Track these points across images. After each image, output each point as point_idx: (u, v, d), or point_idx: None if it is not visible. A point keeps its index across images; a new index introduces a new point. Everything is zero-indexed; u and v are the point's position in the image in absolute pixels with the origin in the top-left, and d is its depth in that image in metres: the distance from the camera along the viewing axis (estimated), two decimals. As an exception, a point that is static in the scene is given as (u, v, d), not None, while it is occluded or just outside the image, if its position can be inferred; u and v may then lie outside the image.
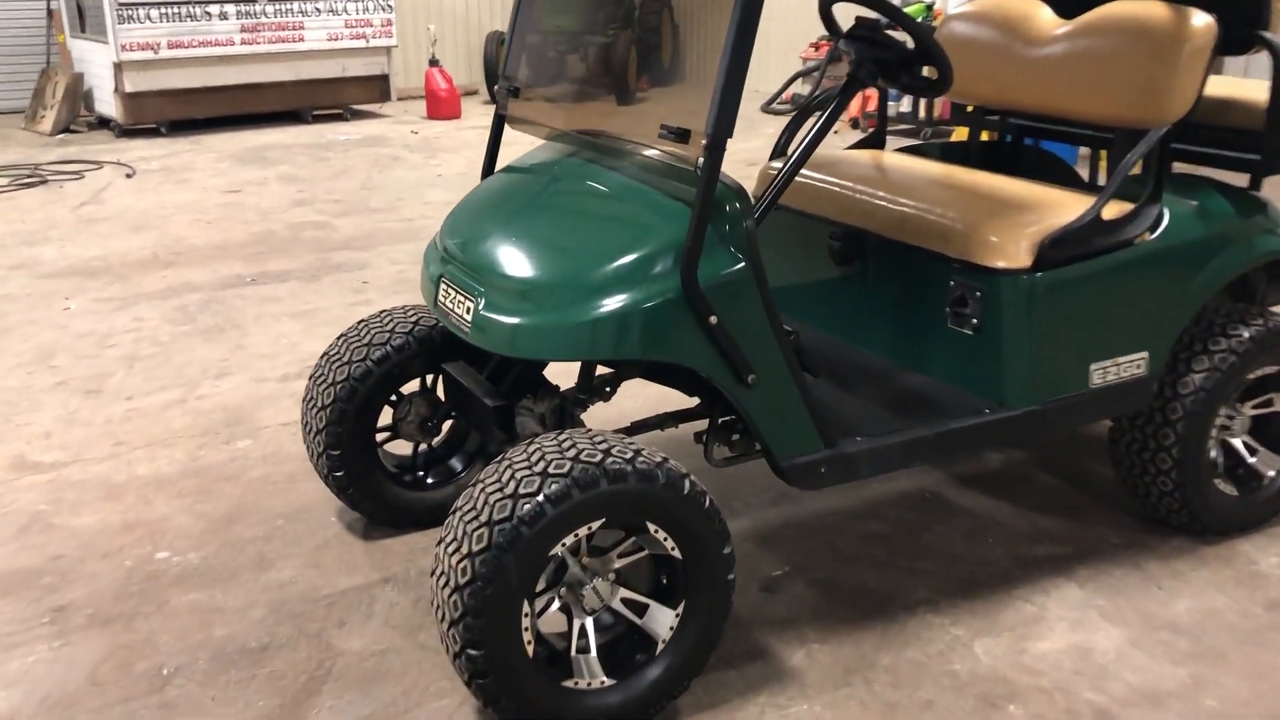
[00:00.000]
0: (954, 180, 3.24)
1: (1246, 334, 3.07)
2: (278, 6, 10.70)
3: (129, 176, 8.77)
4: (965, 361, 2.94)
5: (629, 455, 2.34)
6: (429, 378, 3.28)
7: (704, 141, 2.34)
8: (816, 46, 11.47)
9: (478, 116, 11.98)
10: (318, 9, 10.93)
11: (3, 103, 12.01)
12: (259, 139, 10.40)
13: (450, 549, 2.31)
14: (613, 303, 2.42)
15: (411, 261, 6.26)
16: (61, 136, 10.70)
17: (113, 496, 3.59)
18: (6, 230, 7.12)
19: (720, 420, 2.80)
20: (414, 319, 3.21)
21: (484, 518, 2.27)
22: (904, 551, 3.21)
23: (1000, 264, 2.81)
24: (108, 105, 10.59)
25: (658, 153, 2.64)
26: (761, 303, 2.48)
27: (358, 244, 6.68)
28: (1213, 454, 3.17)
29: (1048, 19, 3.38)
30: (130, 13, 9.99)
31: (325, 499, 3.50)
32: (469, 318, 2.62)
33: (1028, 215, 2.88)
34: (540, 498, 2.25)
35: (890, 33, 2.84)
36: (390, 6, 11.37)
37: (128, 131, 10.60)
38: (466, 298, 2.65)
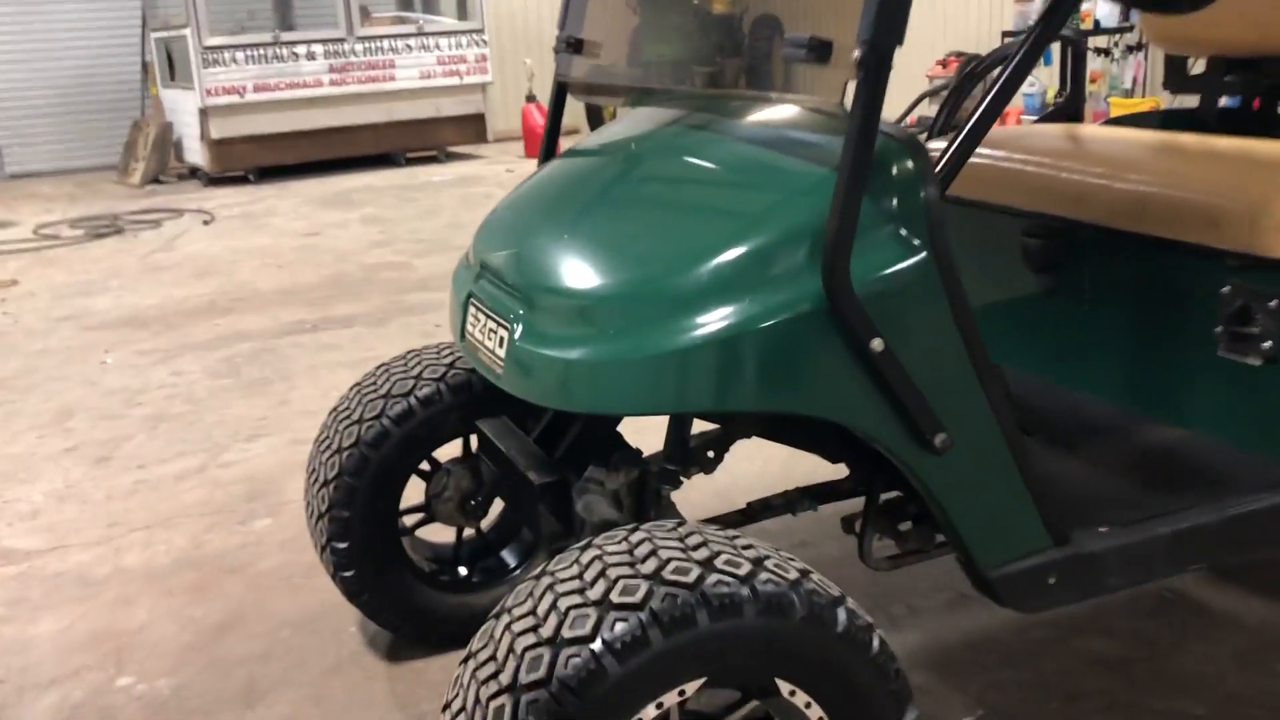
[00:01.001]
0: (1207, 148, 2.25)
1: None
2: (367, 44, 10.20)
3: (206, 223, 8.25)
4: (1253, 407, 1.95)
5: (745, 569, 1.43)
6: (472, 440, 2.42)
7: (856, 54, 1.44)
8: (944, 64, 10.48)
9: (578, 154, 11.27)
10: (409, 46, 10.40)
11: (99, 159, 11.78)
12: (347, 183, 9.84)
13: (457, 723, 1.42)
14: (715, 323, 1.53)
15: (492, 301, 5.47)
16: (150, 187, 10.33)
17: (86, 596, 2.81)
18: (66, 280, 6.59)
19: (883, 499, 1.87)
20: (448, 359, 2.36)
21: (507, 677, 1.38)
22: (1152, 686, 2.20)
23: (1311, 256, 1.83)
24: (196, 154, 10.20)
25: (786, 109, 1.75)
26: (953, 316, 1.55)
27: (435, 284, 5.92)
28: None
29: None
30: (216, 56, 9.58)
31: (346, 603, 2.66)
32: (502, 352, 1.75)
33: (1342, 185, 1.89)
34: (597, 645, 1.35)
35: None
36: (485, 41, 10.79)
37: (215, 180, 10.17)
38: (500, 324, 1.78)
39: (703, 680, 1.41)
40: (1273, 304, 1.88)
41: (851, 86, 1.47)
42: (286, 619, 2.65)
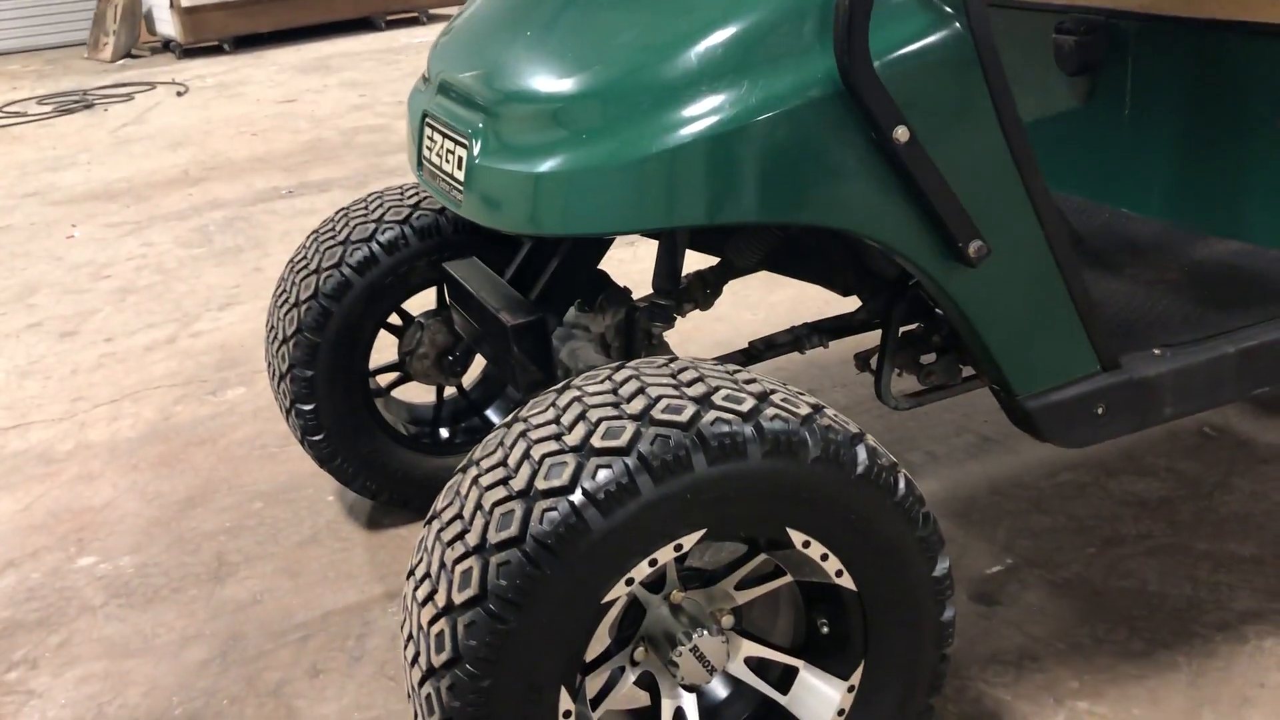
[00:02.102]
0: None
1: None
2: (339, -101, 9.62)
3: (180, 95, 7.88)
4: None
5: (748, 405, 1.21)
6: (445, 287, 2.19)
7: None
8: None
9: (567, 11, 10.77)
10: (383, -101, 9.81)
11: (68, 35, 11.27)
12: (326, 49, 9.40)
13: (421, 595, 1.23)
14: (707, 115, 1.28)
15: (477, 160, 5.18)
16: (122, 62, 9.88)
17: (47, 474, 2.63)
18: (34, 157, 6.28)
19: (902, 331, 1.65)
20: (413, 201, 2.13)
21: (474, 538, 1.18)
22: (1197, 528, 2.02)
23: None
24: (167, 24, 9.71)
25: None
26: (992, 100, 1.30)
27: (418, 146, 5.62)
28: None
29: None
30: (179, -84, 9.04)
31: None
32: (461, 174, 1.51)
33: None
34: (576, 496, 1.14)
35: None
36: (463, -108, 10.19)
37: (190, 51, 9.71)
38: (458, 141, 1.53)
39: (702, 532, 1.21)
40: (1351, 89, 1.63)
41: None
42: (258, 491, 2.47)
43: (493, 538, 1.16)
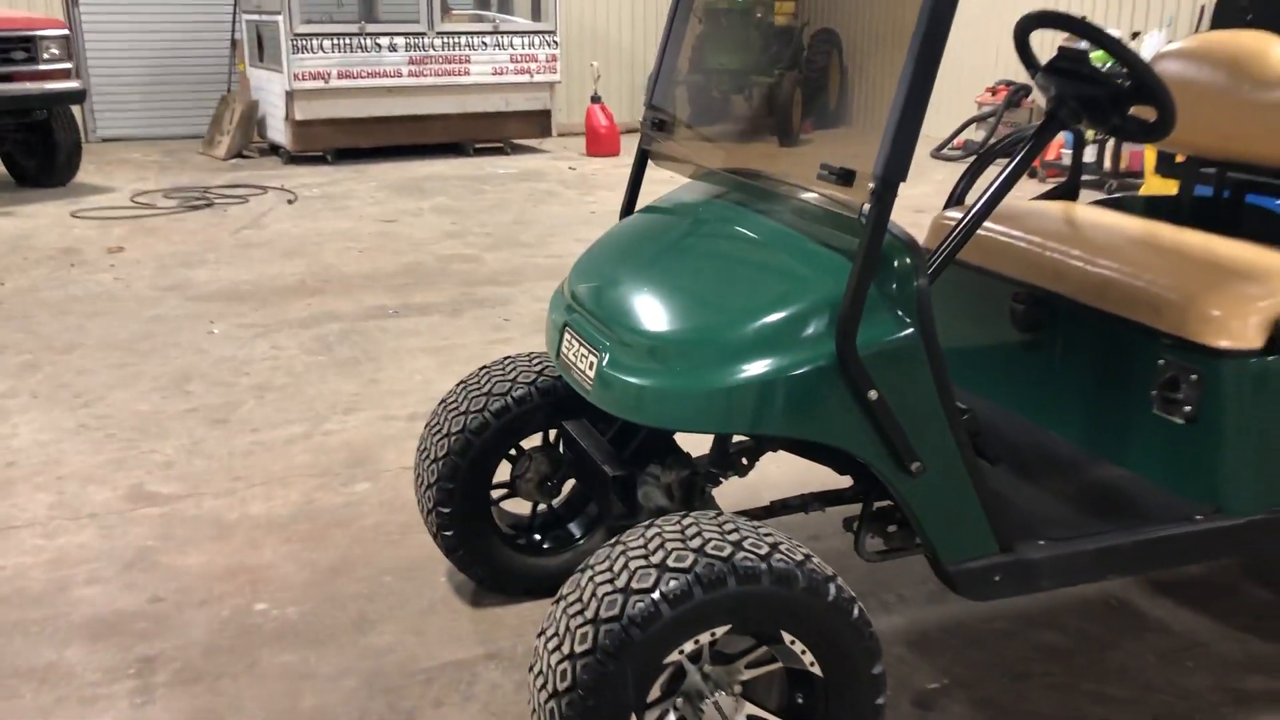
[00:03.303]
0: (1165, 240, 2.78)
1: None
2: (446, 39, 10.79)
3: (290, 203, 8.89)
4: (1174, 456, 2.47)
5: (764, 550, 1.98)
6: (552, 432, 2.99)
7: (871, 185, 1.98)
8: (994, 91, 10.90)
9: (637, 154, 11.81)
10: (484, 43, 10.98)
11: (184, 128, 12.47)
12: (419, 170, 10.45)
13: (550, 646, 1.99)
14: (754, 368, 2.08)
15: (555, 300, 6.04)
16: (234, 161, 10.99)
17: (222, 537, 3.42)
18: (169, 251, 7.23)
19: (875, 507, 2.42)
20: (538, 367, 2.93)
21: (590, 613, 1.95)
22: (1087, 672, 2.74)
23: (1224, 343, 2.35)
24: (279, 132, 10.84)
25: (817, 197, 2.29)
26: (932, 376, 2.09)
27: (504, 279, 6.51)
28: None
29: (1285, 57, 2.89)
30: (305, 43, 10.21)
31: (436, 556, 3.23)
32: (592, 374, 2.31)
33: (1258, 286, 2.41)
34: (656, 595, 1.91)
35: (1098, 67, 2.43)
36: (556, 43, 11.34)
37: (295, 158, 10.82)
38: (591, 351, 2.34)
39: (729, 627, 1.97)
40: (1194, 377, 2.40)
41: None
42: (387, 567, 3.24)
43: (602, 615, 1.92)
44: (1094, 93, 2.35)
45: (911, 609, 3.00)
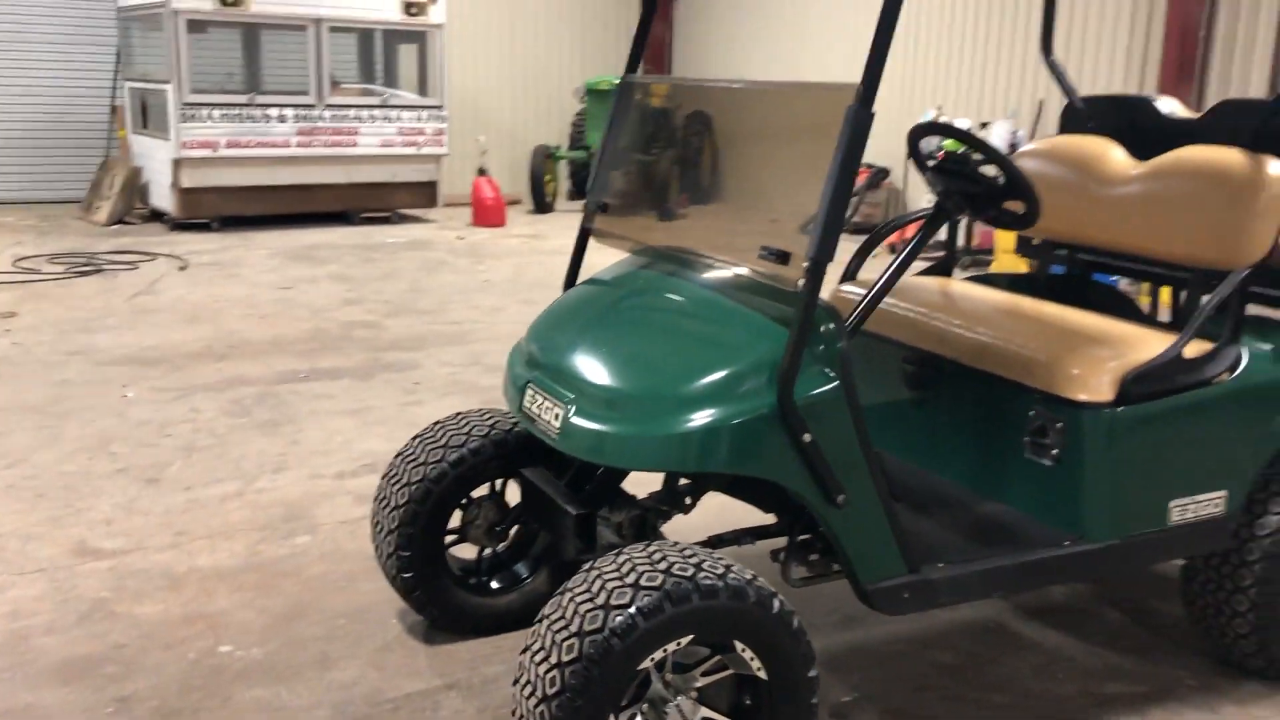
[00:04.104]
0: (1029, 311, 3.28)
1: (1324, 478, 3.07)
2: (335, 112, 11.02)
3: (182, 269, 8.94)
4: (1044, 492, 2.94)
5: (720, 571, 2.34)
6: (499, 483, 3.29)
7: (805, 264, 2.39)
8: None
9: (521, 225, 12.20)
10: (373, 116, 11.25)
11: (60, 193, 12.31)
12: (308, 238, 10.61)
13: (538, 658, 2.29)
14: (705, 416, 2.45)
15: (463, 364, 6.32)
16: (116, 227, 10.94)
17: (174, 587, 3.59)
18: (65, 316, 7.24)
19: (799, 539, 2.80)
20: (490, 422, 3.23)
21: (574, 628, 2.26)
22: (974, 684, 3.16)
23: (1082, 397, 2.83)
24: (163, 199, 10.86)
25: (748, 270, 2.69)
26: (853, 423, 2.50)
27: (408, 345, 6.76)
28: (1289, 598, 3.13)
29: (1121, 160, 3.46)
30: (194, 112, 10.31)
31: (385, 600, 3.49)
32: (558, 424, 2.65)
33: (1108, 349, 2.91)
34: (633, 610, 2.24)
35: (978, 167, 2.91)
36: (444, 117, 11.69)
37: (180, 225, 10.84)
38: (555, 404, 2.68)
39: (691, 637, 2.31)
40: (1059, 426, 2.87)
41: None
42: (340, 611, 3.46)
43: (586, 628, 2.24)
44: (974, 189, 2.83)
45: (824, 635, 3.38)
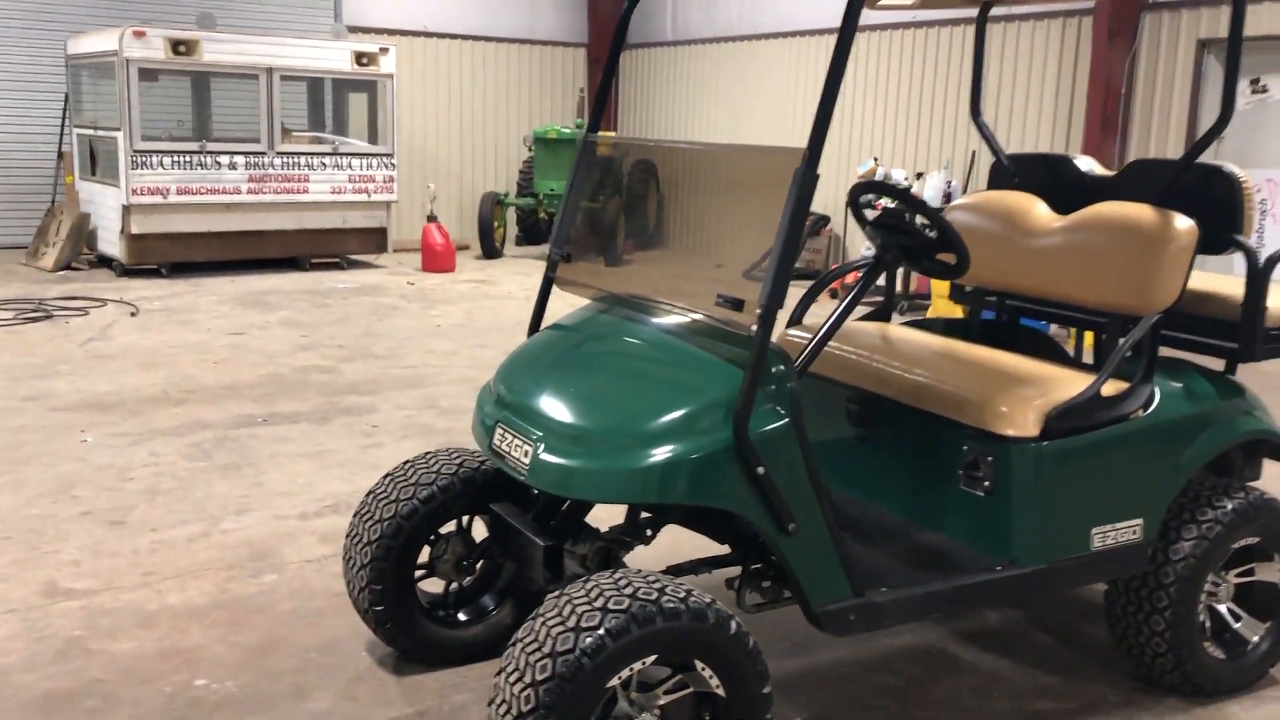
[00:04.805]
0: (962, 354, 3.53)
1: (1230, 506, 3.34)
2: (286, 159, 11.16)
3: (133, 315, 8.99)
4: (977, 521, 3.17)
5: (682, 595, 2.53)
6: (465, 519, 3.46)
7: (758, 311, 2.62)
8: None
9: (471, 270, 12.38)
10: (324, 164, 11.40)
11: (6, 238, 12.27)
12: (258, 284, 10.69)
13: (512, 678, 2.46)
14: (667, 451, 2.65)
15: (418, 407, 6.47)
16: (63, 273, 10.94)
17: (147, 624, 3.69)
18: (16, 362, 7.27)
19: (752, 568, 3.00)
20: (458, 461, 3.40)
21: (547, 649, 2.44)
22: (916, 703, 3.37)
23: (1011, 432, 3.07)
24: (112, 245, 10.89)
25: (703, 315, 2.91)
26: (803, 457, 2.71)
27: (364, 389, 6.89)
28: (1201, 618, 3.38)
29: (1044, 214, 3.74)
30: (144, 159, 10.39)
31: (355, 634, 3.62)
32: (527, 460, 2.83)
33: (1034, 389, 3.16)
34: (601, 631, 2.42)
35: (913, 222, 3.17)
36: (393, 164, 11.88)
37: (129, 271, 10.87)
38: (524, 441, 2.86)
39: (655, 657, 2.49)
40: (990, 459, 3.12)
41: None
42: (311, 645, 3.59)
43: (559, 649, 2.42)
44: (910, 243, 3.08)
45: (775, 660, 3.57)
